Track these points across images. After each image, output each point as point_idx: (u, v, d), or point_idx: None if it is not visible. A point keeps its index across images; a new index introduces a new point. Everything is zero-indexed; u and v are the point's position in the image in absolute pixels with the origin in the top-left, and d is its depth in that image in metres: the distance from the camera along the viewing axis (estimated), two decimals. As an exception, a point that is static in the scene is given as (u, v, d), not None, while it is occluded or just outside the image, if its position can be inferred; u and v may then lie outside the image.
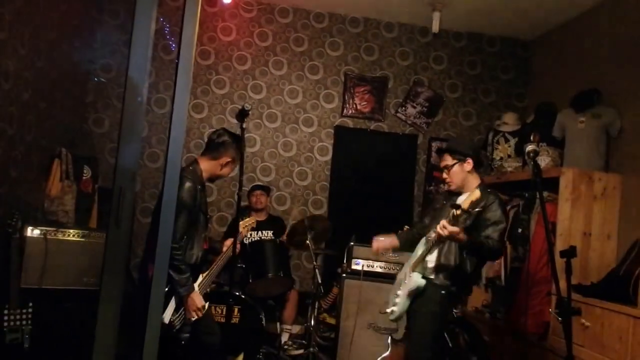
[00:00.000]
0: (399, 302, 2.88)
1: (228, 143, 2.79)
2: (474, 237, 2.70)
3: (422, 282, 2.80)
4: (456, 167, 2.89)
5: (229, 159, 2.80)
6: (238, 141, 2.80)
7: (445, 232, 2.54)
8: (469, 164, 2.89)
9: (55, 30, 3.78)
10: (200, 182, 2.75)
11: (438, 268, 2.81)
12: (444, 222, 2.55)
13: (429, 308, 2.79)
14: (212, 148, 2.81)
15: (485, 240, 2.73)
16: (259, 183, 4.77)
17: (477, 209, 2.57)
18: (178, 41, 1.54)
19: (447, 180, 2.94)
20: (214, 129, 4.99)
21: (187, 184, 2.60)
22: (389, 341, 3.39)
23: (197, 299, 2.67)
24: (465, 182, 2.90)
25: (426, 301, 2.81)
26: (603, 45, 4.24)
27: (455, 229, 2.54)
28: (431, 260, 2.84)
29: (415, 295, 2.83)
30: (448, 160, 2.92)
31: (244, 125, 2.72)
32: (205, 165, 2.80)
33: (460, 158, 2.89)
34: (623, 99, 3.90)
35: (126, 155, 1.23)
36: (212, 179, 2.89)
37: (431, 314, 2.78)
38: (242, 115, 2.72)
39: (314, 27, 5.20)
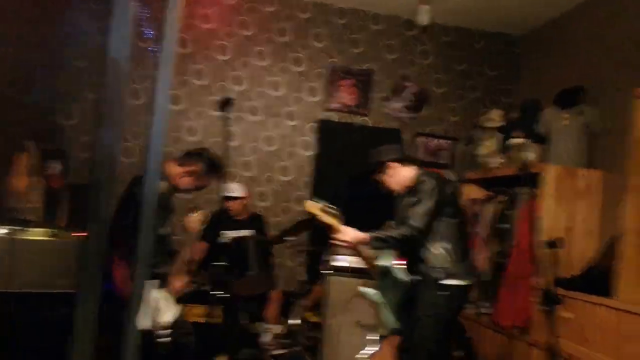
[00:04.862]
0: None
1: (204, 158, 2.80)
2: None
3: None
4: (387, 179, 2.88)
5: (192, 168, 2.79)
6: (215, 169, 2.82)
7: None
8: (393, 168, 2.87)
9: (25, 16, 3.54)
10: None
11: None
12: None
13: None
14: (186, 155, 2.88)
15: None
16: (229, 194, 4.38)
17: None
18: (160, 24, 1.38)
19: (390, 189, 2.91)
20: (192, 121, 4.86)
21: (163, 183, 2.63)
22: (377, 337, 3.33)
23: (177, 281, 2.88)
24: (403, 181, 2.87)
25: None
26: (590, 43, 4.26)
27: None
28: None
29: None
30: (379, 177, 2.91)
31: (230, 115, 2.63)
32: (171, 170, 2.83)
33: (383, 170, 2.87)
34: (608, 97, 3.92)
35: (105, 143, 1.07)
36: (172, 188, 2.86)
37: None
38: (225, 104, 2.63)
39: (298, 17, 5.04)
